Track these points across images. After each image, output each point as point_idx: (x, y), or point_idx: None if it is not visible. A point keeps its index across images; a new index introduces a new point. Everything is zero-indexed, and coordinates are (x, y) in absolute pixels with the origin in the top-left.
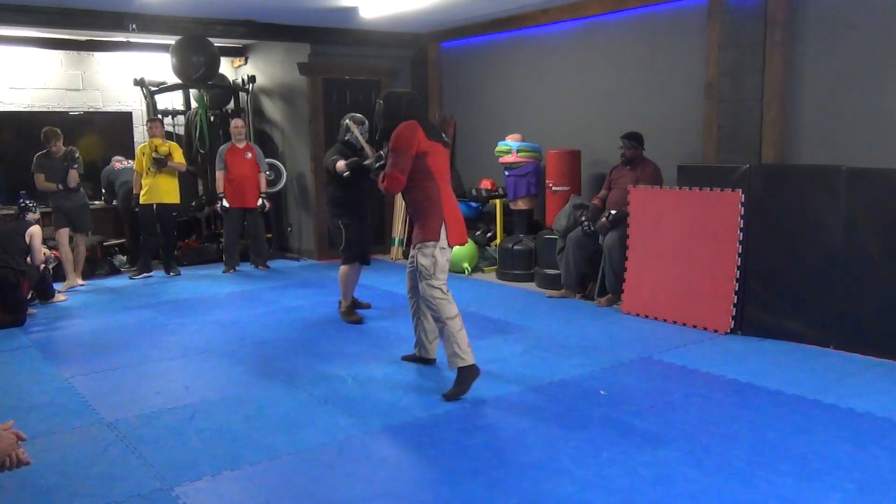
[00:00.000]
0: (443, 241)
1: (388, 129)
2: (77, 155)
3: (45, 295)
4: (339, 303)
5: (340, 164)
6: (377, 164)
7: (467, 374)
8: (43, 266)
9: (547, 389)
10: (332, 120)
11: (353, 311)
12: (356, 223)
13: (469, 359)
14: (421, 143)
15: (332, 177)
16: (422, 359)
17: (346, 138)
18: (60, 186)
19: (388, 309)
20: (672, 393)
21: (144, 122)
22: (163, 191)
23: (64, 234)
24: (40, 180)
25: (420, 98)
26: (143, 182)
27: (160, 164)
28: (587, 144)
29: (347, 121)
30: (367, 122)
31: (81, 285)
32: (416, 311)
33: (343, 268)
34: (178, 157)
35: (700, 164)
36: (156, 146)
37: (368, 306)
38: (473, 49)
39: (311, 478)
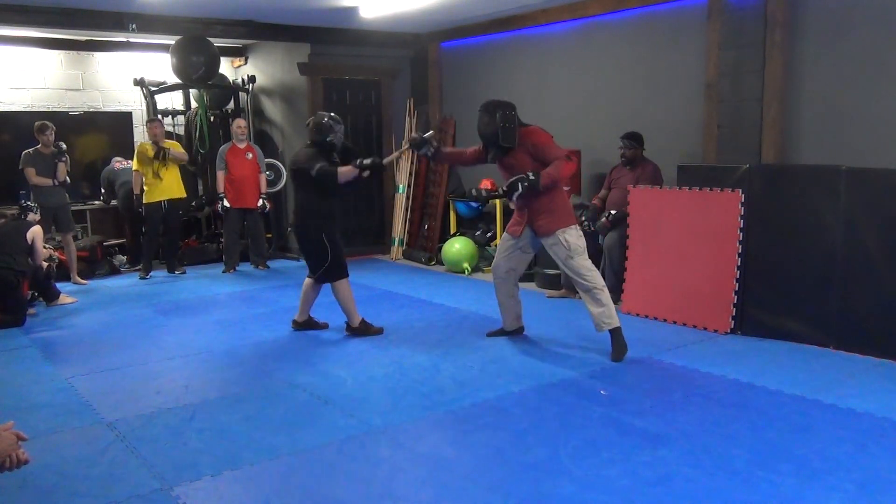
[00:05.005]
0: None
1: (510, 133)
2: (64, 148)
3: (49, 296)
4: (348, 325)
5: (345, 169)
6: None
7: (619, 334)
8: (46, 265)
9: (547, 389)
10: None
11: (369, 325)
12: (337, 236)
13: (616, 321)
14: None
15: (305, 183)
16: (504, 332)
17: (329, 139)
18: (57, 182)
19: (388, 309)
20: (672, 393)
21: (144, 123)
22: (171, 187)
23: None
24: (31, 174)
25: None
26: (148, 181)
27: (162, 153)
28: (587, 144)
29: (327, 119)
30: (342, 123)
31: (83, 284)
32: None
33: (339, 286)
34: (178, 150)
35: (700, 164)
36: (155, 140)
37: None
38: (473, 49)
39: (311, 478)
